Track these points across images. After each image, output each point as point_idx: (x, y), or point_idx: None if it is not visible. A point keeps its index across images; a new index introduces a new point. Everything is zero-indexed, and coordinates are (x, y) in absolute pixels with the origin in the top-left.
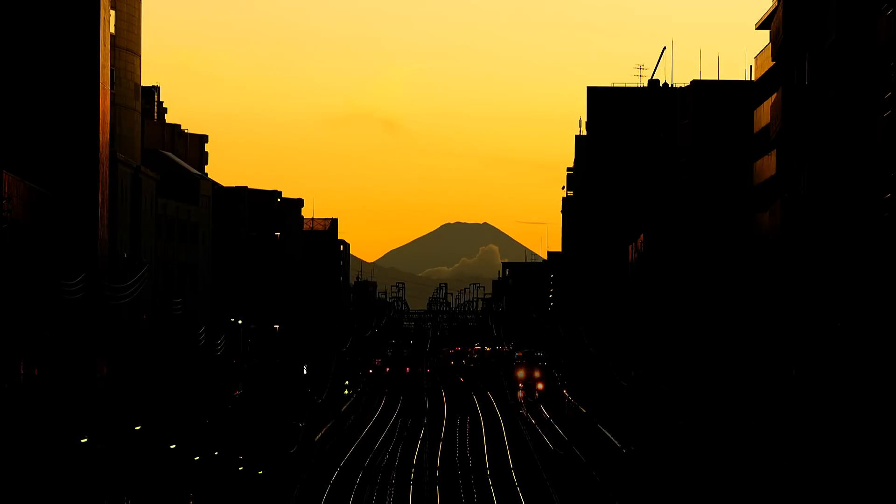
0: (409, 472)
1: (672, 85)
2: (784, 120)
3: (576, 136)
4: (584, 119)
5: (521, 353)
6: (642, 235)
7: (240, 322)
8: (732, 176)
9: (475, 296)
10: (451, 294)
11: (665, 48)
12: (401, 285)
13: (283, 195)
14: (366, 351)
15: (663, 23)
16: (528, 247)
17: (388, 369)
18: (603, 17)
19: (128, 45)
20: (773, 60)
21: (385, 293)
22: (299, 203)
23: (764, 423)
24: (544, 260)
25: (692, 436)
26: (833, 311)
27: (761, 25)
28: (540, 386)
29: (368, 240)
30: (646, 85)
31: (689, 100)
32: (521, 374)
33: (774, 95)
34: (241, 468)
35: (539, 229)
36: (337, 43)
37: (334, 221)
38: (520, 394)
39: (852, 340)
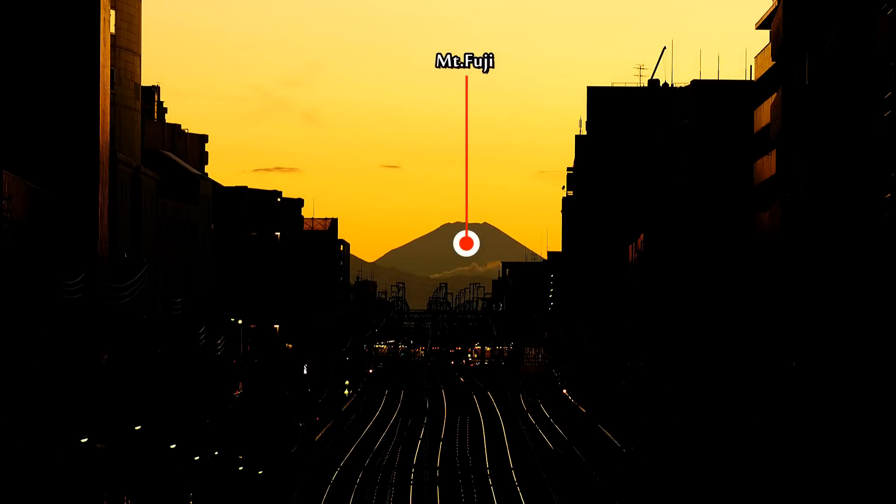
0: (409, 471)
1: (672, 85)
2: (784, 120)
3: (576, 136)
4: (584, 119)
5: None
6: (642, 235)
7: (240, 322)
8: (732, 176)
9: (475, 296)
10: (451, 294)
11: (665, 48)
12: (401, 285)
13: (283, 195)
14: (366, 350)
15: (663, 23)
16: (528, 247)
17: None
18: (603, 17)
19: (128, 45)
20: (773, 60)
21: (385, 293)
22: (299, 203)
23: (764, 423)
24: (544, 260)
25: (692, 435)
26: (833, 311)
27: (761, 25)
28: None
29: (368, 240)
30: (646, 85)
31: (689, 100)
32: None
33: (774, 95)
34: (241, 468)
35: (539, 229)
36: (344, 42)
37: (334, 221)
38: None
39: (852, 340)
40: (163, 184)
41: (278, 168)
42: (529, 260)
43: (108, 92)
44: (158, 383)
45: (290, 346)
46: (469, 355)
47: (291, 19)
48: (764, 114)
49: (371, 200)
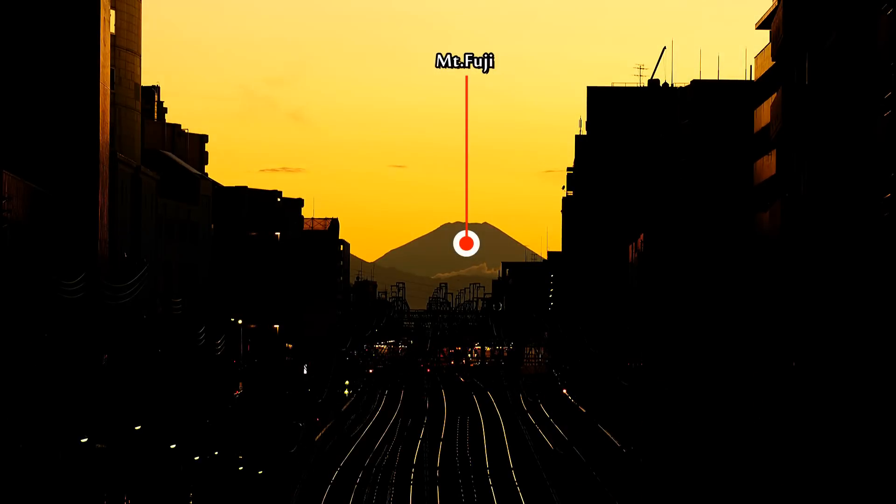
0: (409, 471)
1: (672, 85)
2: (784, 120)
3: (576, 136)
4: (584, 119)
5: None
6: (642, 235)
7: (240, 322)
8: (732, 176)
9: (475, 296)
10: (451, 294)
11: (665, 48)
12: (401, 285)
13: (283, 195)
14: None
15: (663, 23)
16: (528, 247)
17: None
18: (603, 17)
19: (128, 45)
20: (773, 60)
21: (385, 293)
22: (299, 203)
23: (764, 423)
24: (544, 260)
25: (692, 435)
26: (833, 311)
27: (761, 25)
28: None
29: (368, 240)
30: (646, 85)
31: (689, 100)
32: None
33: (774, 95)
34: (241, 468)
35: (539, 229)
36: (349, 41)
37: (334, 221)
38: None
39: (852, 340)
40: (163, 184)
41: (285, 168)
42: (529, 260)
43: (108, 92)
44: (158, 383)
45: (290, 346)
46: (469, 355)
47: (287, 17)
48: (764, 114)
49: (371, 200)
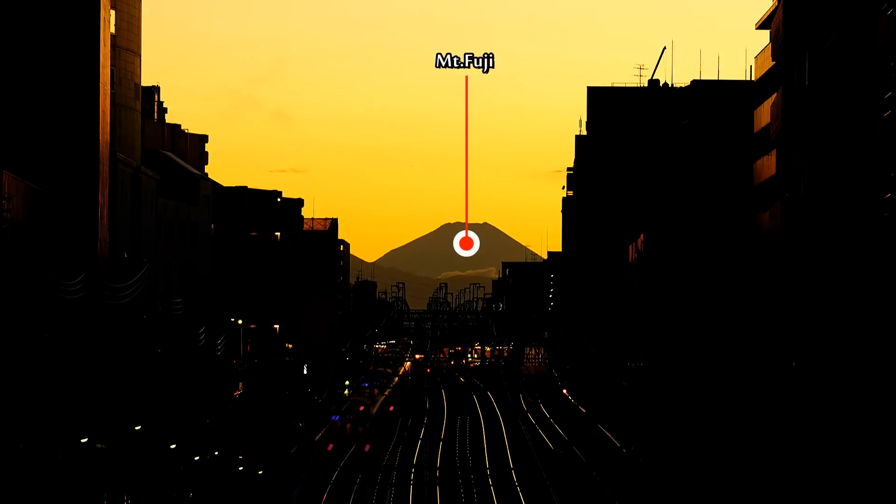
0: (409, 471)
1: (672, 85)
2: (784, 120)
3: (576, 136)
4: (584, 119)
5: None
6: (642, 235)
7: (240, 322)
8: (732, 176)
9: (475, 296)
10: (451, 294)
11: (665, 48)
12: (401, 285)
13: (283, 195)
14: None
15: (663, 23)
16: (528, 247)
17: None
18: (603, 17)
19: (128, 45)
20: (773, 60)
21: (385, 293)
22: (299, 203)
23: (764, 423)
24: (544, 260)
25: (692, 435)
26: (833, 311)
27: (761, 25)
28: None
29: (368, 240)
30: (646, 85)
31: (689, 100)
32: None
33: (774, 95)
34: (241, 468)
35: (539, 229)
36: (350, 42)
37: (334, 221)
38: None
39: (852, 340)
40: (163, 184)
41: (293, 169)
42: (529, 260)
43: (108, 92)
44: (158, 383)
45: (290, 346)
46: (469, 355)
47: (286, 15)
48: (764, 114)
49: (371, 200)
